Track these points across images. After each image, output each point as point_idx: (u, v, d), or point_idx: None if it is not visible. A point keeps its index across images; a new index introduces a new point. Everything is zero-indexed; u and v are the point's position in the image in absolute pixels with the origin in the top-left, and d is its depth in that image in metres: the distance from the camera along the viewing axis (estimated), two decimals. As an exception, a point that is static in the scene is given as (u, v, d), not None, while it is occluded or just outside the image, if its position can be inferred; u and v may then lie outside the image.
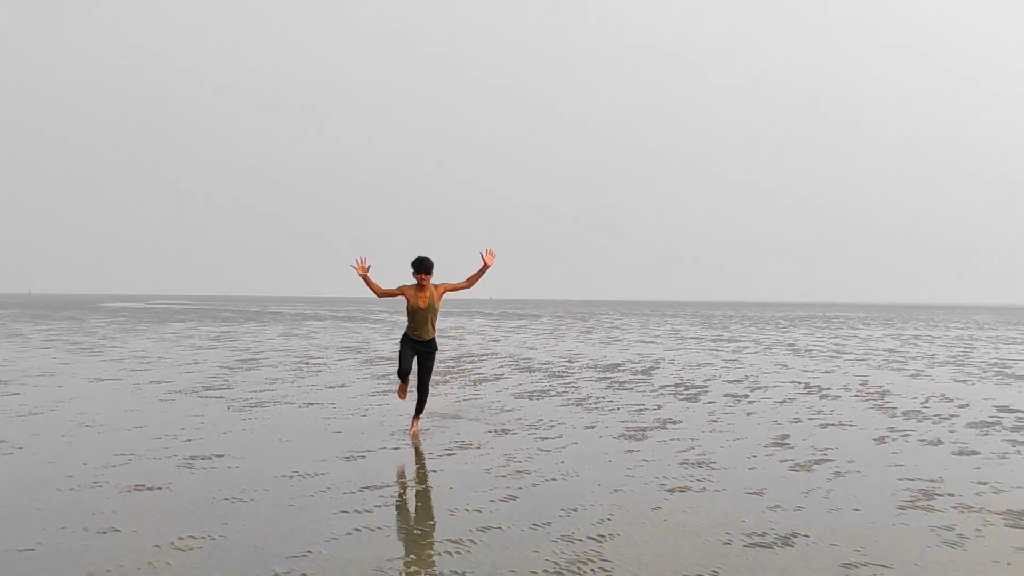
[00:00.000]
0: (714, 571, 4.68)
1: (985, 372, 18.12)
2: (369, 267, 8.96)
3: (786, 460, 7.97)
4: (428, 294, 8.94)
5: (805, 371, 17.97)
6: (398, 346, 9.50)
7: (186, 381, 14.66)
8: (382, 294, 9.02)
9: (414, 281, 8.96)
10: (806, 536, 5.39)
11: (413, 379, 9.36)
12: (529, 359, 20.83)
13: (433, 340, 9.32)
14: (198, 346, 24.47)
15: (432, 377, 9.57)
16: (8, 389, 13.12)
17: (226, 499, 6.23)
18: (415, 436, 9.17)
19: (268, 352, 22.34)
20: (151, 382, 14.44)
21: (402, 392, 9.50)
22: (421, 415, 9.57)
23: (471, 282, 9.29)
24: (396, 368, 9.43)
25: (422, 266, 8.77)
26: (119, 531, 5.36)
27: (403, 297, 9.03)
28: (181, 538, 5.19)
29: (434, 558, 4.93)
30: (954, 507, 6.18)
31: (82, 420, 10.06)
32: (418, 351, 9.27)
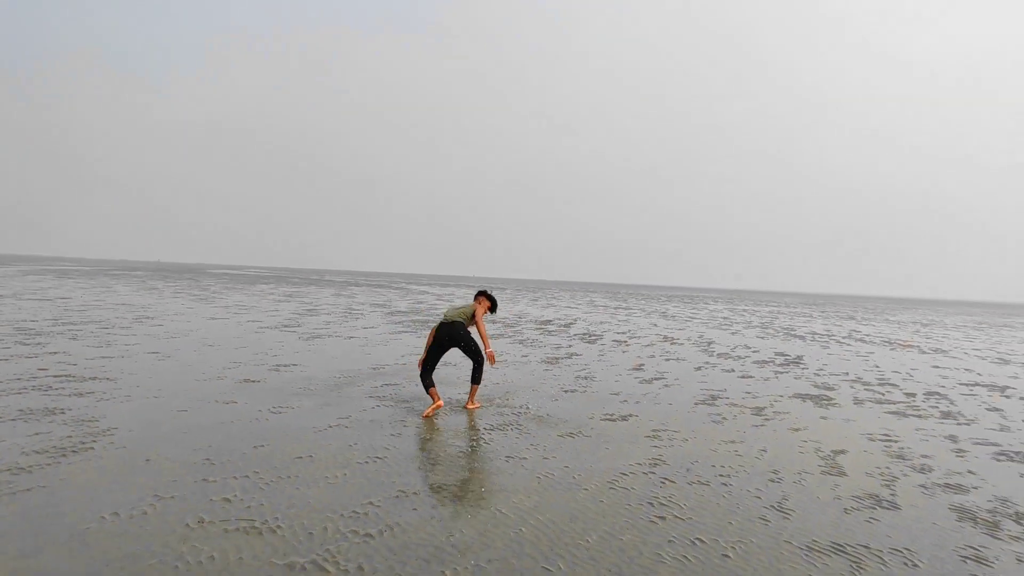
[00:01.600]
0: (579, 431, 5.52)
1: (777, 333, 19.24)
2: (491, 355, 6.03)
3: (638, 378, 8.83)
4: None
5: (667, 328, 18.90)
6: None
7: (271, 321, 15.09)
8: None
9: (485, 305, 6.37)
10: (636, 416, 6.25)
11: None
12: (493, 316, 21.49)
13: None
14: (278, 300, 24.73)
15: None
16: (155, 322, 13.50)
17: (299, 389, 6.90)
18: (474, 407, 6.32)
19: (324, 305, 22.74)
20: (248, 321, 14.84)
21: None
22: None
23: (480, 328, 6.17)
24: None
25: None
26: (236, 403, 6.03)
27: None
28: (273, 408, 5.89)
29: (423, 423, 5.68)
30: (726, 404, 7.09)
31: (205, 342, 10.52)
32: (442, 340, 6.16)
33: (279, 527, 3.20)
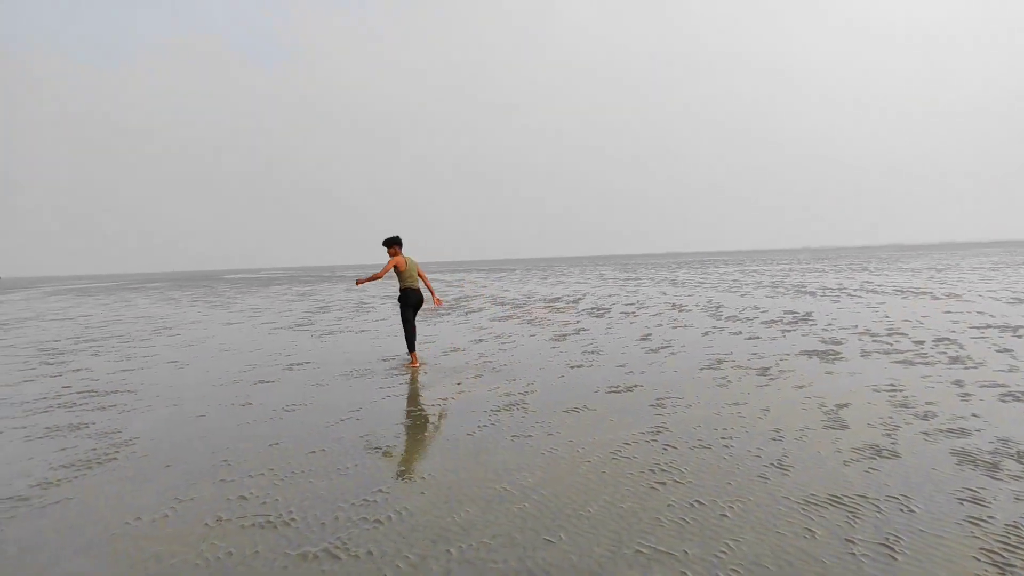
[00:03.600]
0: (585, 405, 5.60)
1: (788, 291, 19.10)
2: (360, 281, 7.94)
3: (645, 348, 8.88)
4: (405, 259, 8.09)
5: (676, 296, 18.87)
6: (400, 316, 7.41)
7: (285, 321, 15.32)
8: (383, 274, 7.90)
9: (392, 255, 8.11)
10: (641, 386, 6.32)
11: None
12: (503, 297, 21.60)
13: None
14: (291, 300, 25.03)
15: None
16: (173, 332, 13.79)
17: (312, 385, 7.06)
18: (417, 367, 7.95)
19: (336, 301, 22.97)
20: (263, 323, 15.09)
21: (415, 361, 8.00)
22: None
23: (426, 282, 8.41)
24: (405, 337, 7.89)
25: (397, 241, 8.08)
26: (252, 404, 6.20)
27: (396, 266, 8.13)
28: (287, 406, 6.04)
29: (431, 409, 5.82)
30: (731, 367, 7.13)
31: (221, 347, 10.76)
32: (415, 304, 8.14)
33: (293, 520, 3.33)
